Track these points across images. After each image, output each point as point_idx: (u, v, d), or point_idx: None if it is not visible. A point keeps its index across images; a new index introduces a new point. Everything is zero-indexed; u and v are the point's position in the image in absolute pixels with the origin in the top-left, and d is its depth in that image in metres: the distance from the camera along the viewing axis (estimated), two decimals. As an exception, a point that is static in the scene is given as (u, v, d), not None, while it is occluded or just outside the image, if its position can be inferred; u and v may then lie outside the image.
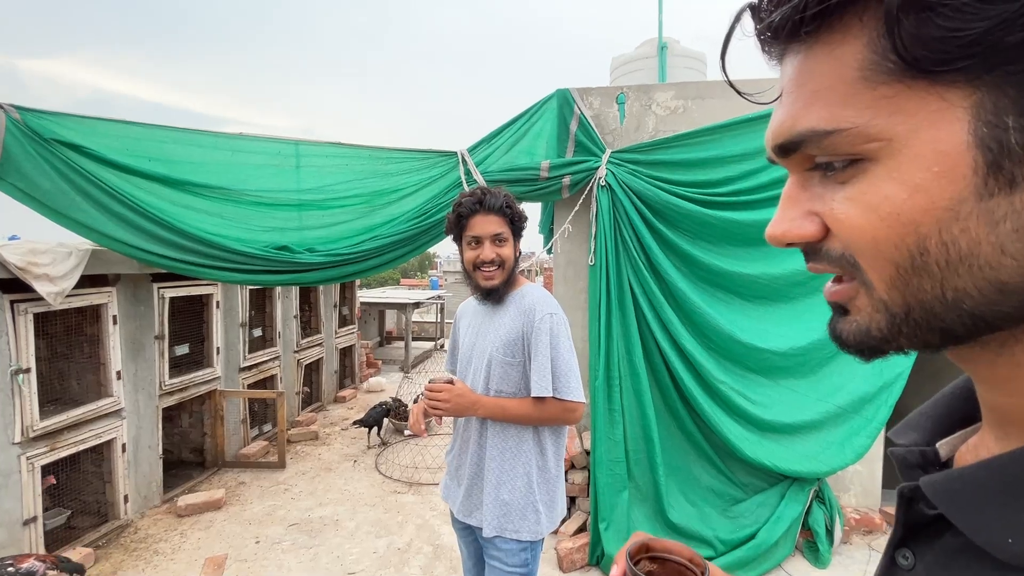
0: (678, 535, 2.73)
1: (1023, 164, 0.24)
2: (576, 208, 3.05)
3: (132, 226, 2.42)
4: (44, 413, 2.76)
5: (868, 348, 0.32)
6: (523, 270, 1.42)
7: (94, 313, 3.07)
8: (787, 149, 0.32)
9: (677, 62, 4.24)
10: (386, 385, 6.78)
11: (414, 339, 8.87)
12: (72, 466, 3.02)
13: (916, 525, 0.35)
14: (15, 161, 2.25)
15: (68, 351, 3.10)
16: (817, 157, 0.31)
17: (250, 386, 4.47)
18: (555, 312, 1.42)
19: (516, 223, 1.47)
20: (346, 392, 6.27)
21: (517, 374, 1.42)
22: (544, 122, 3.12)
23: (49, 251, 2.51)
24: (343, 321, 6.60)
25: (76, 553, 2.77)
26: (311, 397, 5.70)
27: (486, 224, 1.43)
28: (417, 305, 9.01)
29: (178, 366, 3.75)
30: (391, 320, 10.76)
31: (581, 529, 2.91)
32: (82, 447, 2.93)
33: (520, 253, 1.51)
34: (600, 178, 2.95)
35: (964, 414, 0.38)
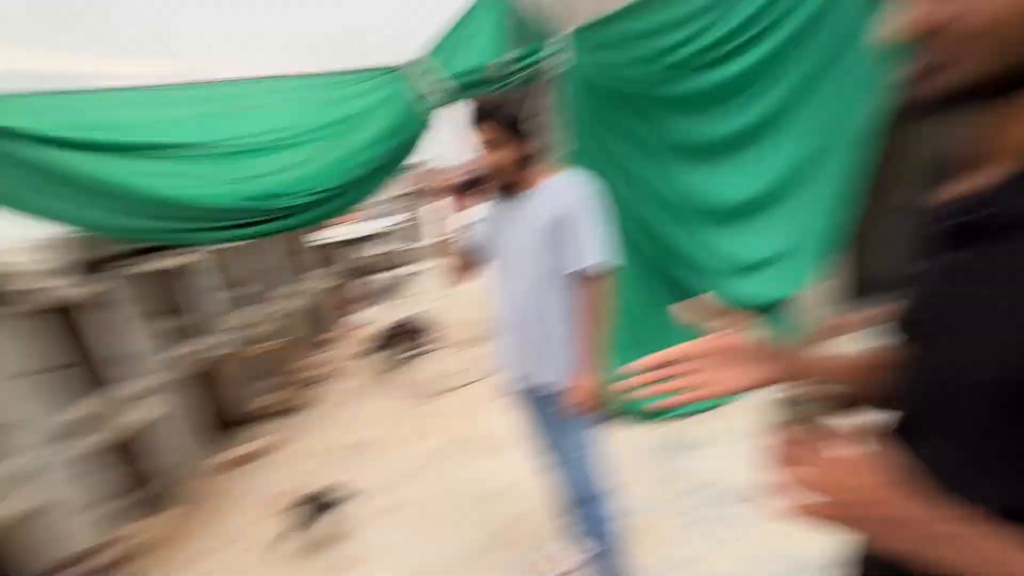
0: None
1: None
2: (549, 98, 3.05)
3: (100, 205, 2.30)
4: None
5: (952, 96, 0.46)
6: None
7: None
8: None
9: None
10: (374, 317, 6.89)
11: (381, 271, 9.15)
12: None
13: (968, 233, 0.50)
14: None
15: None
16: None
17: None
18: (588, 187, 1.52)
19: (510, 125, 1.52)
20: (334, 333, 6.38)
21: (559, 255, 1.50)
22: (489, 10, 3.00)
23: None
24: (312, 266, 6.52)
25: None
26: (312, 342, 5.80)
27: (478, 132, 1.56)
28: (377, 237, 8.97)
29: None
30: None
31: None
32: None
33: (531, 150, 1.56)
34: (566, 62, 2.93)
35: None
